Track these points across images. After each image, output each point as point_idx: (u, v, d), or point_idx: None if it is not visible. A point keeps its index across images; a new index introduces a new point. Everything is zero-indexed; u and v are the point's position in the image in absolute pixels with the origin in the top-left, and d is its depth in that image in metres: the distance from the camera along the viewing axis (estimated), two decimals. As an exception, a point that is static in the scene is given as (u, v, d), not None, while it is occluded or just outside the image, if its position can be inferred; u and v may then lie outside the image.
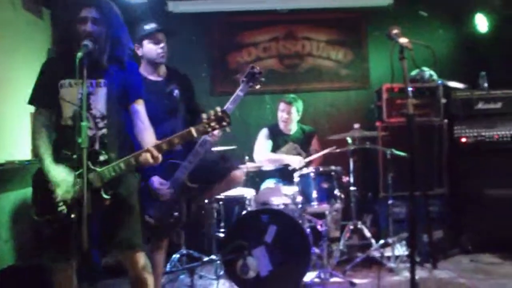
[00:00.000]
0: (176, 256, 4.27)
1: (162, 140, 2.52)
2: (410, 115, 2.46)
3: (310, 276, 3.88)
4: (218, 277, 4.02)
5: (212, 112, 2.51)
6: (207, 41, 5.54)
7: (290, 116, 4.68)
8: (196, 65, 5.33)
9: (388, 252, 4.27)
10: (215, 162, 3.51)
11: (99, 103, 2.57)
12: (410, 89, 2.58)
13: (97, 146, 2.55)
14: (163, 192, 3.18)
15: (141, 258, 2.64)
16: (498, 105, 4.81)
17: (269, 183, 4.62)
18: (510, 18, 4.93)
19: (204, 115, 2.51)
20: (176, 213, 3.25)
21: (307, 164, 4.54)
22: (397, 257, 4.24)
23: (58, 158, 2.53)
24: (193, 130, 2.50)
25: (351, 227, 4.37)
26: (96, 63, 2.53)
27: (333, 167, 4.10)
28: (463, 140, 4.80)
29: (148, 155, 2.47)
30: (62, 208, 2.46)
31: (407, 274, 3.91)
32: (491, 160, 4.67)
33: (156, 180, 3.20)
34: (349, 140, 4.37)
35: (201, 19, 5.45)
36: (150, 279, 2.68)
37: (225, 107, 3.27)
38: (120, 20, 2.68)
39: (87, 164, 2.31)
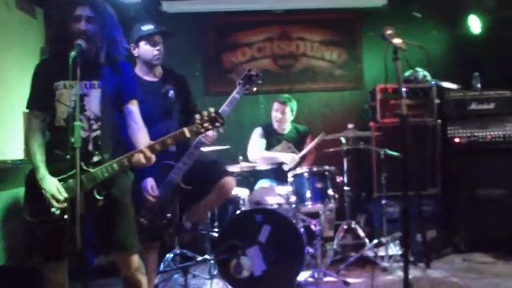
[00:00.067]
0: (169, 255, 4.26)
1: (155, 141, 2.52)
2: (403, 115, 2.47)
3: (304, 276, 3.89)
4: (211, 277, 4.02)
5: (205, 113, 2.51)
6: (201, 41, 5.54)
7: (284, 116, 4.69)
8: (191, 65, 5.33)
9: (381, 252, 4.29)
10: (209, 164, 3.51)
11: (93, 105, 2.56)
12: (403, 89, 2.59)
13: (90, 148, 2.54)
14: (149, 196, 3.18)
15: (135, 260, 2.63)
16: (491, 105, 4.84)
17: (263, 183, 4.62)
18: (503, 20, 4.96)
19: (197, 116, 2.51)
20: (169, 214, 3.24)
21: (300, 161, 4.56)
22: (390, 256, 4.25)
23: (51, 159, 2.52)
24: (186, 130, 2.50)
25: (345, 226, 4.38)
26: (91, 63, 2.53)
27: (327, 167, 4.11)
28: (456, 140, 4.83)
29: (141, 156, 2.46)
30: (56, 209, 2.45)
31: (400, 273, 3.92)
32: (484, 160, 4.70)
33: (149, 182, 3.20)
34: (343, 140, 4.38)
35: (196, 19, 5.44)
36: (143, 280, 2.67)
37: (221, 109, 3.28)
38: (114, 19, 2.67)
39: (80, 165, 2.31)
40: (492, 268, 4.20)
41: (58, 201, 2.42)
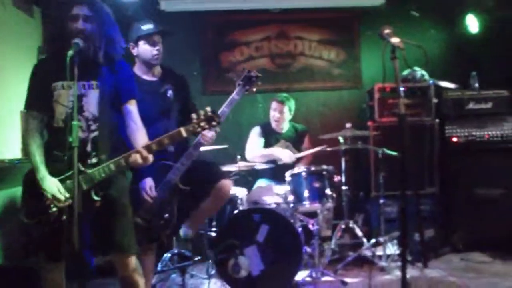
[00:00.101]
0: (167, 255, 4.26)
1: (152, 141, 2.51)
2: (401, 114, 2.47)
3: (301, 275, 3.88)
4: (209, 277, 4.02)
5: (202, 112, 2.50)
6: (199, 40, 5.53)
7: (282, 115, 4.68)
8: (188, 64, 5.32)
9: (379, 251, 4.29)
10: (206, 165, 3.49)
11: (92, 105, 2.56)
12: (401, 89, 2.58)
13: (89, 148, 2.54)
14: (147, 196, 3.17)
15: (132, 261, 2.62)
16: (489, 105, 4.85)
17: (261, 183, 4.62)
18: (501, 19, 4.97)
19: (193, 115, 2.50)
20: (166, 215, 3.23)
21: (297, 161, 4.57)
22: (388, 256, 4.25)
23: (50, 160, 2.51)
24: (182, 130, 2.49)
25: (343, 226, 4.38)
26: (89, 63, 2.52)
27: (324, 167, 4.10)
28: (454, 139, 4.83)
29: (137, 156, 2.45)
30: (54, 210, 2.44)
31: (398, 273, 3.93)
32: (481, 160, 4.71)
33: (147, 183, 3.19)
34: (341, 140, 4.37)
35: (194, 18, 5.43)
36: (140, 282, 2.66)
37: (220, 110, 3.29)
38: (112, 18, 2.66)
39: (78, 165, 2.30)
40: (490, 268, 4.21)
41: (59, 201, 2.42)
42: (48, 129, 2.61)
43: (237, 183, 4.26)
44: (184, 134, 2.49)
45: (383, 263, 4.20)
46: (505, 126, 4.80)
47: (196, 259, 4.12)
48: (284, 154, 4.52)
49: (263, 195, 4.27)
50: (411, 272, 3.93)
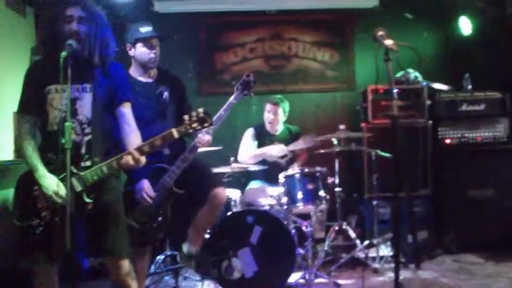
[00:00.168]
0: (160, 257, 4.24)
1: (144, 142, 2.50)
2: (394, 116, 2.47)
3: (295, 277, 3.88)
4: (202, 279, 4.00)
5: (194, 113, 2.50)
6: (193, 41, 5.52)
7: (276, 117, 4.68)
8: (183, 65, 5.31)
9: (372, 253, 4.30)
10: (202, 170, 3.47)
11: (86, 109, 2.54)
12: (395, 90, 2.59)
13: (83, 151, 2.52)
14: (146, 196, 3.15)
15: (125, 264, 2.60)
16: (482, 107, 4.88)
17: (254, 184, 4.61)
18: (494, 21, 4.99)
19: (185, 116, 2.49)
20: (160, 218, 3.22)
21: (292, 159, 4.59)
22: (381, 257, 4.27)
23: (43, 162, 2.50)
24: (174, 131, 2.48)
25: (336, 228, 4.38)
26: (84, 65, 2.51)
27: (318, 168, 4.11)
28: (447, 141, 4.85)
29: (129, 157, 2.44)
30: (46, 213, 2.43)
31: (391, 274, 3.94)
32: (474, 161, 4.73)
33: (145, 183, 3.17)
34: (335, 141, 4.38)
35: (188, 19, 5.43)
36: (133, 285, 2.64)
37: (217, 114, 3.33)
38: (105, 20, 2.65)
39: (70, 168, 2.29)
40: (482, 269, 4.22)
41: (60, 197, 2.40)
42: (42, 133, 2.60)
43: (230, 185, 4.24)
44: (175, 135, 2.48)
45: (376, 265, 4.21)
46: (497, 127, 4.83)
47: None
48: (274, 149, 4.51)
49: (256, 196, 4.27)
50: (404, 274, 3.95)
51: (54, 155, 2.47)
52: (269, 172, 4.51)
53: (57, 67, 2.31)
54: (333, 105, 5.62)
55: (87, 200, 2.45)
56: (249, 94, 3.51)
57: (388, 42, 2.49)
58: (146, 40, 3.32)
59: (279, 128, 4.77)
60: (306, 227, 4.08)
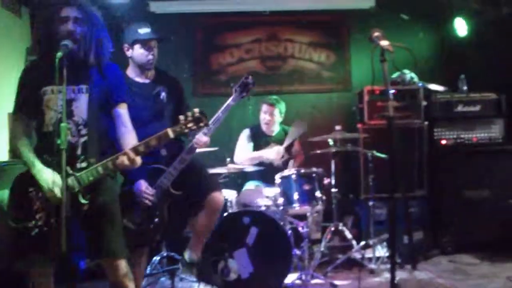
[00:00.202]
0: (156, 258, 4.23)
1: (139, 142, 2.49)
2: (390, 117, 2.48)
3: (291, 278, 3.88)
4: (199, 280, 3.99)
5: (189, 113, 2.50)
6: (189, 42, 5.52)
7: (272, 117, 4.68)
8: (178, 66, 5.30)
9: (369, 254, 4.30)
10: (200, 172, 3.46)
11: (82, 110, 2.53)
12: (391, 91, 2.60)
13: (79, 152, 2.51)
14: (145, 196, 3.14)
15: (122, 265, 2.59)
16: (477, 107, 4.89)
17: (250, 185, 4.61)
18: (489, 22, 5.01)
19: (181, 116, 2.49)
20: (156, 219, 3.21)
21: (289, 158, 4.59)
22: (377, 258, 4.27)
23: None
24: (169, 131, 2.48)
25: (332, 228, 4.38)
26: (80, 66, 2.50)
27: (314, 169, 4.11)
28: (443, 142, 4.87)
29: (124, 158, 2.43)
30: (41, 215, 2.42)
31: (387, 275, 3.93)
32: (470, 162, 4.74)
33: (143, 183, 3.16)
34: (331, 142, 4.38)
35: (184, 20, 5.42)
36: (131, 287, 2.63)
37: (215, 116, 3.34)
38: (101, 20, 2.64)
39: (66, 169, 2.28)
40: (478, 270, 4.23)
41: (56, 194, 2.38)
42: (38, 134, 2.59)
43: (226, 186, 4.24)
44: (171, 135, 2.48)
45: (372, 266, 4.21)
46: (493, 128, 4.85)
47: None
48: (272, 152, 4.51)
49: (252, 197, 4.26)
50: (400, 274, 3.96)
51: (49, 156, 2.45)
52: (265, 172, 4.51)
53: (53, 67, 2.30)
54: (329, 105, 5.63)
55: (83, 201, 2.44)
56: (248, 96, 3.50)
57: (384, 43, 2.50)
58: (144, 42, 3.31)
59: (275, 129, 4.77)
60: (303, 228, 4.08)
